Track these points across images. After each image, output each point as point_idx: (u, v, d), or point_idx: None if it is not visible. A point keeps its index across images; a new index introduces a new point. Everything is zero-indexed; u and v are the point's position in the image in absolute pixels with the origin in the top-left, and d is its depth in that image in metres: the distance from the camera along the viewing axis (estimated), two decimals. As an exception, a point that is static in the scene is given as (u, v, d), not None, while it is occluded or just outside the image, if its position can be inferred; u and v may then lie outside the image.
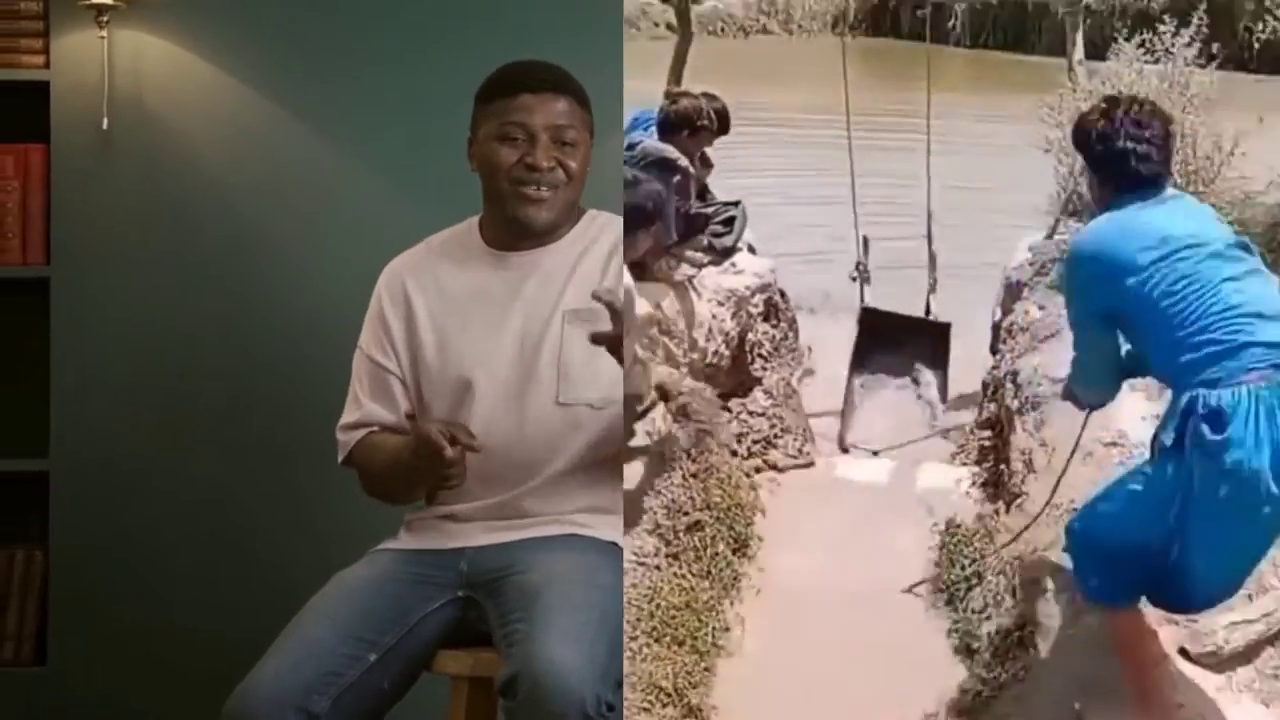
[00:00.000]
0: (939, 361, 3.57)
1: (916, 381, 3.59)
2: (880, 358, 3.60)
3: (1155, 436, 2.01)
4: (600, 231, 2.05)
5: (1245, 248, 1.99)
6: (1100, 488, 2.15)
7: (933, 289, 3.74)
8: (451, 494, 2.00)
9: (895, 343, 3.61)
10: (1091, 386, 2.20)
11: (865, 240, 3.84)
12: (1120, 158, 1.98)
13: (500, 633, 1.79)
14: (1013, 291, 3.28)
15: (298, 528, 2.71)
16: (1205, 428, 1.85)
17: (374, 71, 2.74)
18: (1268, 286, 1.96)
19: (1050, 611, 2.37)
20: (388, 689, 1.85)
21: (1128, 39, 3.76)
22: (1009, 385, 3.03)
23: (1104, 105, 2.06)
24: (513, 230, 2.00)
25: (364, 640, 1.82)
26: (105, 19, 2.70)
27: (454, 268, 2.03)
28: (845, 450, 3.41)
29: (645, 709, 2.28)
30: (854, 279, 3.80)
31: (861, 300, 3.75)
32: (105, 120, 2.72)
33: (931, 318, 3.70)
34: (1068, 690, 2.18)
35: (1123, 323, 2.02)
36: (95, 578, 2.76)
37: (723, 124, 3.52)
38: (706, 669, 2.45)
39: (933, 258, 3.77)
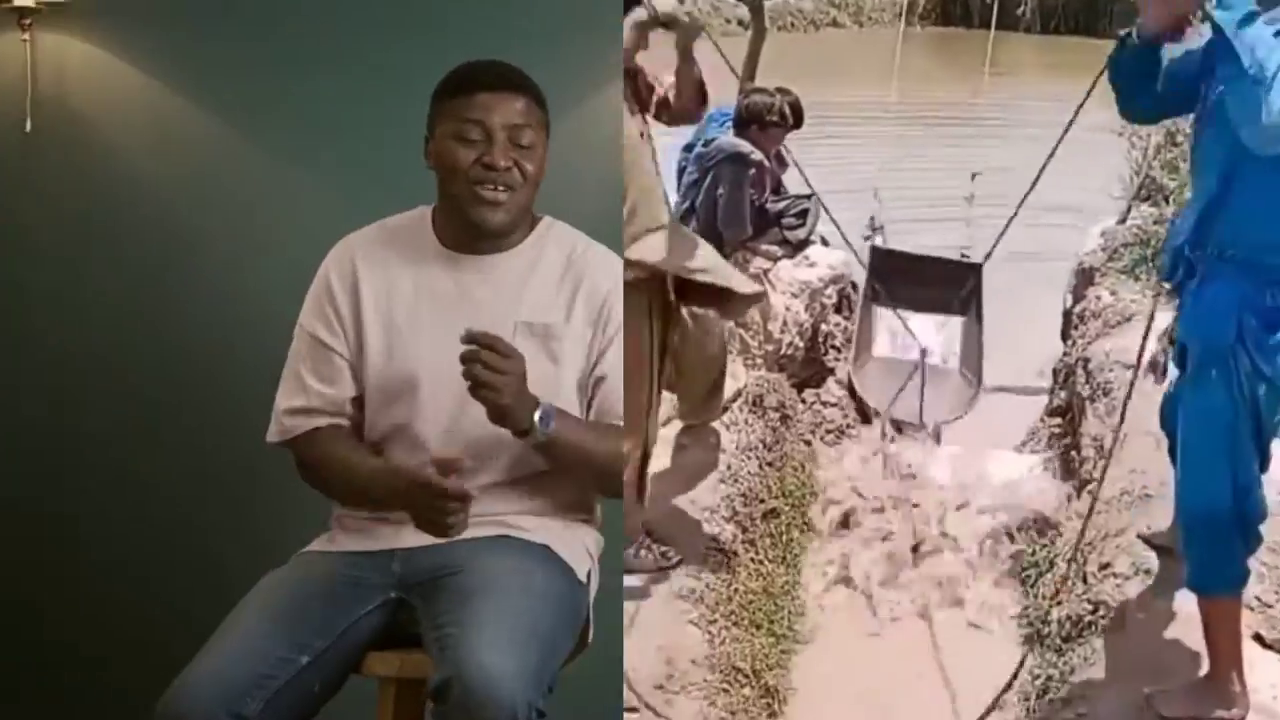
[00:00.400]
0: (976, 305, 3.52)
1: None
2: (906, 303, 3.55)
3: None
4: (554, 241, 2.01)
5: None
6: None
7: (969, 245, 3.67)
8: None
9: (922, 288, 3.56)
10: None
11: (876, 192, 3.82)
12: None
13: (431, 635, 1.75)
14: (1085, 277, 3.29)
15: (227, 522, 2.64)
16: (1254, 322, 1.92)
17: (298, 72, 2.65)
18: None
19: (1121, 597, 2.41)
20: (319, 691, 1.80)
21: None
22: (1080, 372, 3.04)
23: None
24: (468, 231, 1.93)
25: (297, 643, 1.78)
26: (28, 22, 2.63)
27: (405, 261, 1.96)
28: (899, 429, 3.36)
29: (724, 690, 2.35)
30: (866, 238, 3.80)
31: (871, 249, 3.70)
32: (29, 123, 2.65)
33: (962, 257, 3.66)
34: (1138, 675, 2.20)
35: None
36: (19, 576, 2.72)
37: (797, 118, 3.57)
38: (784, 651, 2.51)
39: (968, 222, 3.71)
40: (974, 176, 3.79)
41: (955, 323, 3.56)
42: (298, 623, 1.80)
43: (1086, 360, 3.00)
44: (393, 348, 1.93)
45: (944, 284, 3.57)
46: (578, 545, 1.95)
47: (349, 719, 1.90)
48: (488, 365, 1.77)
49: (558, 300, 1.95)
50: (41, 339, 2.75)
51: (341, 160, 2.58)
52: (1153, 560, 2.46)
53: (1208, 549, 2.04)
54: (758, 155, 3.44)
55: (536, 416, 1.82)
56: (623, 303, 1.98)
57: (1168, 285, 2.19)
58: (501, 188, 1.91)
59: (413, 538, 1.90)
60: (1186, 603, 2.30)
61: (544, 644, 1.74)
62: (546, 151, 1.96)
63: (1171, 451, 2.27)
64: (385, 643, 1.89)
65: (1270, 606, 2.26)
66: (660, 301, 2.58)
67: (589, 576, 1.97)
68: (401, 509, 1.85)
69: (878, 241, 3.75)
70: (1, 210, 2.74)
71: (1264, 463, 2.06)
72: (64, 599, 2.72)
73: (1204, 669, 2.14)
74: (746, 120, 3.45)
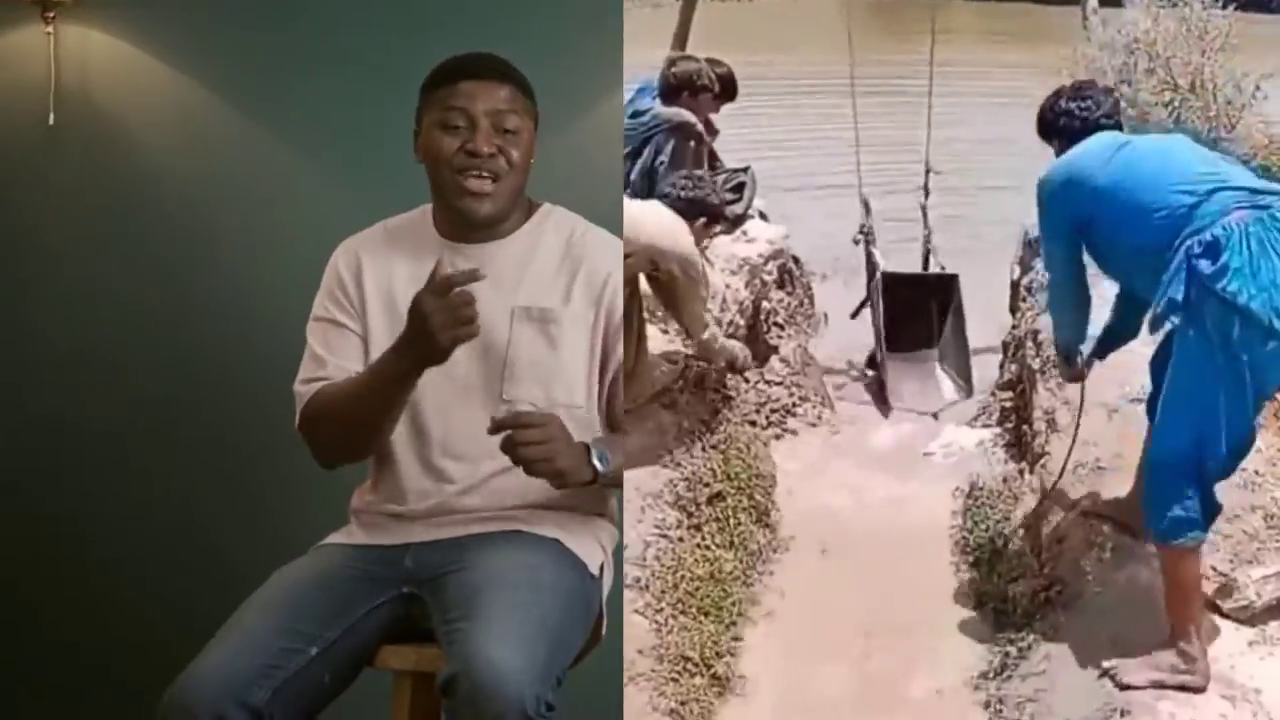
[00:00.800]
0: (955, 313, 3.56)
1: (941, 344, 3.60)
2: (900, 324, 3.57)
3: (1154, 361, 2.19)
4: (553, 226, 2.02)
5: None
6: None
7: (928, 243, 3.74)
8: (396, 487, 1.94)
9: (909, 305, 3.58)
10: (1066, 319, 2.36)
11: (866, 203, 3.81)
12: (1068, 115, 2.32)
13: (442, 630, 1.77)
14: (1032, 249, 3.23)
15: (244, 517, 2.69)
16: (1204, 263, 1.98)
17: (321, 66, 2.71)
18: (1211, 153, 2.21)
19: (1078, 571, 2.36)
20: (328, 683, 1.81)
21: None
22: (1030, 344, 2.99)
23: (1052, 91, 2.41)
24: (458, 221, 1.98)
25: (304, 634, 1.79)
26: (51, 15, 2.69)
27: (407, 255, 1.99)
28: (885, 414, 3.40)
29: (673, 679, 2.28)
30: (857, 242, 3.77)
31: (869, 261, 3.71)
32: (52, 115, 2.71)
33: (937, 270, 3.68)
34: (1097, 648, 2.16)
35: (1093, 228, 2.20)
36: (34, 571, 2.76)
37: (727, 89, 3.47)
38: (734, 639, 2.44)
39: (924, 212, 3.74)
40: (927, 173, 3.74)
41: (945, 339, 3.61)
42: (306, 614, 1.80)
43: (1036, 332, 2.96)
44: (395, 335, 1.89)
45: (932, 299, 3.61)
46: (590, 539, 1.96)
47: (366, 713, 1.93)
48: (528, 441, 1.75)
49: (556, 284, 1.95)
50: (61, 332, 2.77)
51: (363, 154, 2.63)
52: (1108, 533, 2.40)
53: (1165, 497, 2.05)
54: (699, 125, 3.34)
55: (596, 462, 1.83)
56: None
57: None
58: (487, 175, 1.91)
59: (425, 532, 1.92)
60: (1143, 576, 2.27)
61: (553, 638, 1.73)
62: (534, 139, 1.96)
63: (1149, 402, 2.30)
64: (400, 638, 1.89)
65: (1225, 575, 2.22)
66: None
67: (602, 570, 1.96)
68: (418, 356, 1.79)
69: (876, 256, 3.71)
70: (24, 203, 2.77)
71: (1257, 406, 2.09)
72: (77, 594, 2.74)
73: (1163, 639, 2.10)
74: (675, 88, 3.34)
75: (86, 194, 2.77)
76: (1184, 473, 2.04)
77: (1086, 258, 2.26)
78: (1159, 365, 2.23)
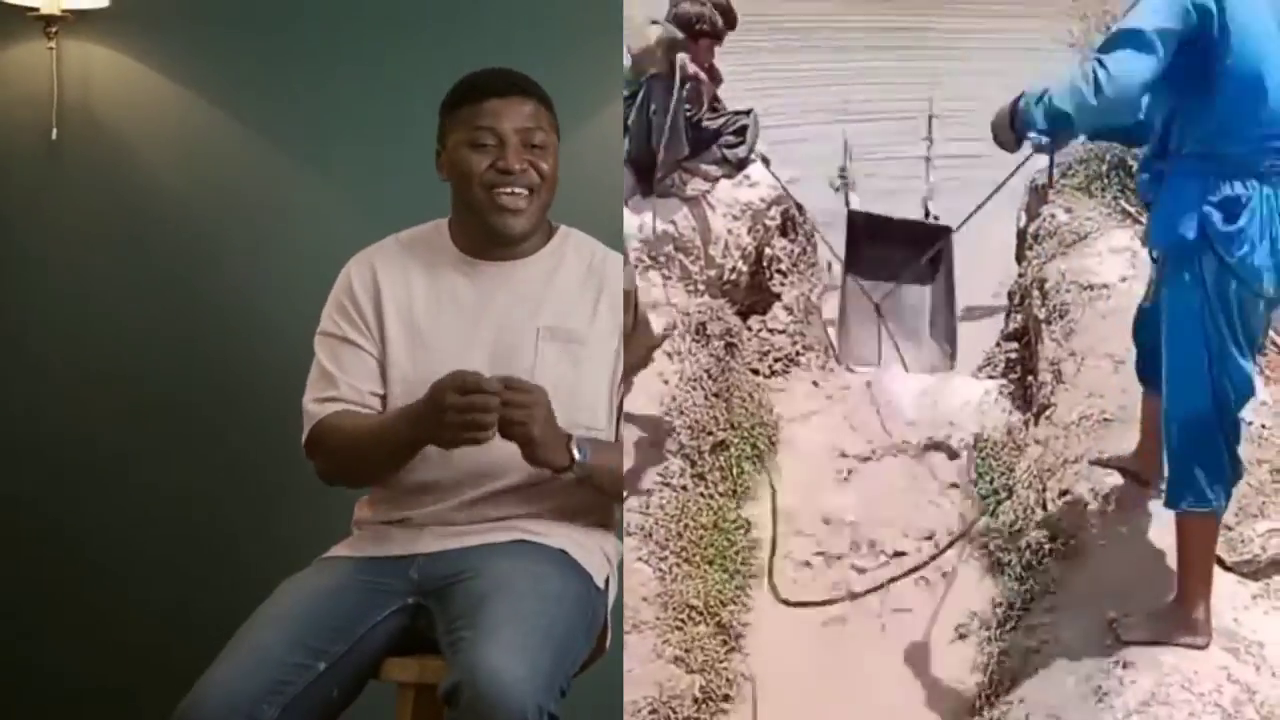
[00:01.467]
0: (945, 268, 3.44)
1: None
2: (875, 266, 3.47)
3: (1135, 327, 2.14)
4: (573, 248, 2.03)
5: None
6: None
7: (930, 194, 3.64)
8: (403, 499, 1.95)
9: (891, 249, 3.46)
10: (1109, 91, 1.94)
11: (846, 145, 3.74)
12: None
13: (446, 640, 1.78)
14: (1038, 196, 3.20)
15: (250, 527, 2.70)
16: (1217, 215, 1.93)
17: (323, 79, 2.70)
18: None
19: (1081, 523, 2.36)
20: (336, 697, 1.82)
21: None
22: (1035, 293, 2.97)
23: None
24: (488, 238, 1.97)
25: (313, 649, 1.79)
26: (53, 30, 2.68)
27: (424, 268, 1.99)
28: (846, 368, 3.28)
29: (678, 627, 2.29)
30: (836, 189, 3.71)
31: (847, 206, 3.65)
32: (54, 131, 2.70)
33: (931, 219, 3.58)
34: (1099, 601, 2.17)
35: (1201, 50, 1.92)
36: (40, 580, 2.77)
37: (728, 19, 3.41)
38: (739, 587, 2.45)
39: (929, 162, 3.68)
40: (931, 120, 3.68)
41: (924, 291, 3.46)
42: (314, 629, 1.79)
43: (1042, 281, 2.93)
44: (415, 353, 1.94)
45: (912, 247, 3.45)
46: (595, 550, 1.96)
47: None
48: (509, 403, 1.75)
49: (581, 305, 1.96)
50: (64, 344, 2.76)
51: (364, 166, 2.64)
52: (1112, 485, 2.40)
53: (1188, 461, 2.01)
54: (693, 69, 3.28)
55: (575, 451, 1.83)
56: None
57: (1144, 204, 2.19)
58: (520, 190, 1.92)
59: (431, 543, 1.92)
60: (1148, 529, 2.28)
61: (557, 647, 1.73)
62: (558, 152, 1.98)
63: (1138, 365, 2.26)
64: (404, 649, 1.88)
65: (1230, 529, 2.22)
66: None
67: (607, 582, 1.97)
68: (423, 437, 1.82)
69: (854, 200, 3.61)
70: (28, 216, 2.76)
71: (1251, 354, 2.06)
72: (84, 604, 2.75)
73: (1169, 595, 2.10)
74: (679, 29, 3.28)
75: (89, 207, 2.77)
76: (1208, 435, 2.00)
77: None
78: (1144, 328, 2.20)
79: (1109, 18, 3.33)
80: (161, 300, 2.75)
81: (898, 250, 3.47)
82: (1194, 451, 2.01)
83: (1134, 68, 1.90)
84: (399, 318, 1.96)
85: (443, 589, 1.85)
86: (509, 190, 1.92)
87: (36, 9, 2.65)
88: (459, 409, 1.75)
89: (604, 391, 1.95)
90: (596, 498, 1.96)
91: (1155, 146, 2.07)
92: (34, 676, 2.72)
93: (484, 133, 1.93)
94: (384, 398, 1.96)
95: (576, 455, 1.83)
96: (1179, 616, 2.06)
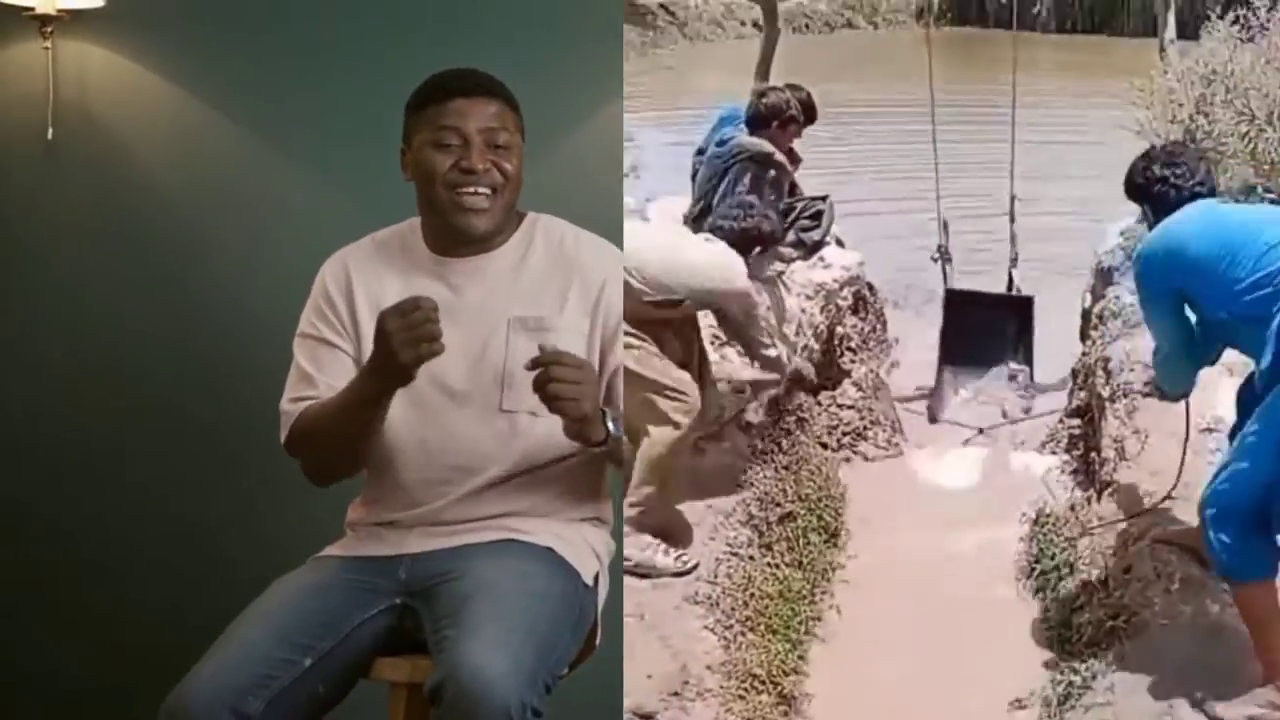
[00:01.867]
0: (1024, 338, 3.57)
1: (1006, 365, 3.61)
2: (968, 341, 3.59)
3: (1241, 393, 2.21)
4: (541, 233, 2.00)
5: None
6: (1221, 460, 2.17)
7: (1014, 263, 3.74)
8: (391, 498, 1.95)
9: (981, 323, 3.60)
10: (1173, 374, 2.40)
11: (945, 224, 3.85)
12: (1162, 182, 2.34)
13: (432, 639, 1.78)
14: (1104, 277, 3.25)
15: (242, 527, 2.69)
16: None
17: (318, 79, 2.70)
18: None
19: (1144, 601, 2.37)
20: (322, 694, 1.82)
21: (1220, 16, 3.68)
22: (1100, 372, 3.01)
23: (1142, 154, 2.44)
24: (452, 238, 1.94)
25: (299, 645, 1.79)
26: (49, 30, 2.65)
27: (396, 271, 1.98)
28: (934, 421, 3.45)
29: (740, 696, 2.32)
30: (935, 260, 3.80)
31: (945, 282, 3.75)
32: (50, 130, 2.68)
33: (1014, 292, 3.70)
34: (1163, 681, 2.16)
35: (1191, 297, 2.24)
36: (31, 579, 2.77)
37: (809, 114, 3.54)
38: (800, 657, 2.49)
39: (1013, 237, 3.76)
40: (1013, 200, 3.79)
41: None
42: (301, 625, 1.82)
43: (1106, 360, 2.97)
44: None
45: (1002, 322, 3.64)
46: (584, 547, 1.96)
47: (360, 725, 1.92)
48: (561, 379, 1.76)
49: (549, 292, 1.95)
50: (60, 343, 2.78)
51: (359, 166, 2.59)
52: (1176, 564, 2.41)
53: (1234, 532, 2.05)
54: (780, 156, 3.41)
55: (610, 424, 1.83)
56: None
57: None
58: (484, 190, 1.91)
59: (418, 543, 1.93)
60: (1212, 609, 2.29)
61: (541, 644, 1.74)
62: (522, 152, 1.97)
63: (1230, 433, 2.33)
64: (395, 649, 1.89)
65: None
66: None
67: (596, 579, 1.96)
68: (385, 376, 1.80)
69: (950, 274, 3.77)
70: (23, 216, 2.79)
71: None
72: (74, 602, 2.76)
73: (1232, 673, 2.10)
74: (764, 118, 3.42)
75: (85, 207, 2.74)
76: (1253, 515, 2.03)
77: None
78: (1245, 398, 2.26)
79: (1175, 106, 3.41)
80: (157, 299, 2.73)
81: (989, 326, 3.60)
82: (1238, 526, 2.03)
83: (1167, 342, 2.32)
84: (373, 316, 1.88)
85: (429, 589, 1.85)
86: (471, 190, 1.90)
87: (32, 8, 2.64)
88: (405, 328, 1.74)
89: None
90: (587, 488, 1.96)
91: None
92: (28, 676, 2.72)
93: (448, 132, 1.90)
94: None
95: (611, 429, 1.82)
96: (1273, 692, 2.04)
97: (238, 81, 2.71)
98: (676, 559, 2.58)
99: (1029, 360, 3.55)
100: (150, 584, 2.73)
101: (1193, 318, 2.28)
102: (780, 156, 3.40)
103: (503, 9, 2.62)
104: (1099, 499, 2.71)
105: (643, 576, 2.51)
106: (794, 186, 3.66)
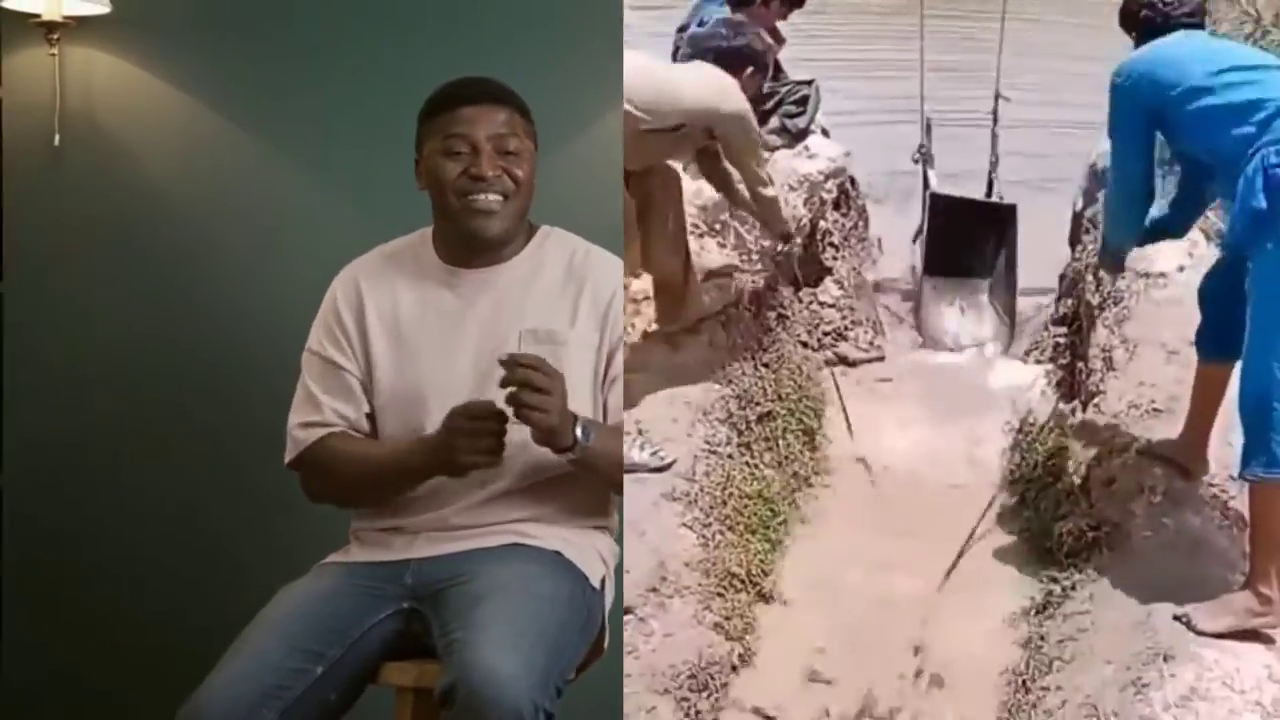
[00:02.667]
0: (1008, 245, 3.49)
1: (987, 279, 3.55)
2: (951, 248, 3.53)
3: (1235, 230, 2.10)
4: (554, 247, 2.03)
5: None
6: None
7: (993, 171, 3.67)
8: (398, 505, 1.97)
9: (963, 229, 3.53)
10: (1121, 220, 2.36)
11: (929, 123, 3.75)
12: (1150, 7, 2.29)
13: (441, 643, 1.79)
14: (1097, 180, 3.18)
15: (248, 534, 2.70)
16: None
17: (324, 86, 2.70)
18: None
19: (1126, 513, 2.36)
20: (334, 701, 1.84)
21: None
22: (1089, 279, 2.95)
23: None
24: (465, 245, 1.97)
25: (310, 653, 1.81)
26: (56, 36, 2.67)
27: (408, 281, 2.01)
28: (923, 338, 3.37)
29: (719, 594, 2.31)
30: (916, 161, 3.72)
31: (925, 184, 3.66)
32: (57, 137, 2.70)
33: (995, 199, 3.62)
34: (1141, 593, 2.17)
35: (1167, 127, 2.19)
36: (37, 587, 2.77)
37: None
38: (780, 557, 2.47)
39: (995, 138, 3.68)
40: (996, 98, 3.67)
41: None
42: (310, 632, 1.82)
43: (1096, 267, 2.90)
44: (401, 364, 1.95)
45: (985, 227, 3.52)
46: (591, 551, 1.98)
47: (369, 731, 1.92)
48: (533, 387, 1.77)
49: (561, 305, 1.96)
50: (66, 350, 2.77)
51: (365, 173, 2.62)
52: (1158, 476, 2.40)
53: (1263, 427, 2.00)
54: (762, 36, 3.26)
55: (579, 432, 1.83)
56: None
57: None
58: (494, 197, 1.92)
59: (425, 548, 1.94)
60: (1194, 522, 2.29)
61: (552, 646, 1.75)
62: (534, 159, 1.97)
63: (1199, 334, 2.32)
64: (401, 654, 1.90)
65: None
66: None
67: (603, 583, 1.99)
68: (436, 465, 1.86)
69: (931, 177, 3.65)
70: (30, 223, 2.76)
71: None
72: (81, 611, 2.75)
73: (1211, 588, 2.11)
74: (748, -8, 3.26)
75: (92, 214, 2.74)
76: (1268, 406, 1.98)
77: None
78: (1212, 296, 2.23)
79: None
80: (163, 304, 2.75)
81: (974, 234, 3.51)
82: (1270, 419, 1.99)
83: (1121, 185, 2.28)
84: (384, 330, 1.98)
85: (437, 593, 1.87)
86: (482, 196, 1.93)
87: (39, 15, 2.66)
88: (472, 434, 1.81)
89: (586, 390, 1.95)
90: (593, 498, 1.99)
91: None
92: (36, 681, 2.73)
93: (457, 140, 1.93)
94: (371, 415, 1.99)
95: (579, 436, 1.83)
96: (1249, 599, 2.03)
97: (244, 87, 2.71)
98: (653, 454, 2.54)
99: (1012, 269, 3.47)
100: (156, 590, 2.74)
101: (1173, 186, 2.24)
102: (763, 37, 3.26)
103: (506, 14, 2.65)
104: (1084, 409, 2.68)
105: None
106: (778, 69, 3.53)
